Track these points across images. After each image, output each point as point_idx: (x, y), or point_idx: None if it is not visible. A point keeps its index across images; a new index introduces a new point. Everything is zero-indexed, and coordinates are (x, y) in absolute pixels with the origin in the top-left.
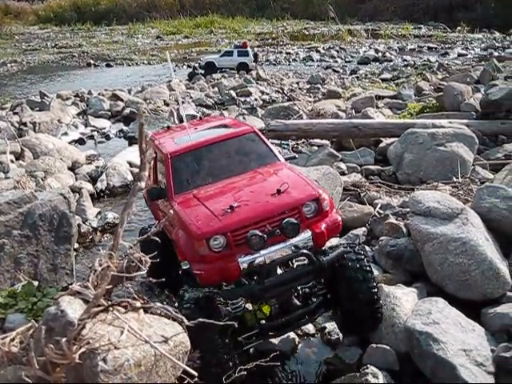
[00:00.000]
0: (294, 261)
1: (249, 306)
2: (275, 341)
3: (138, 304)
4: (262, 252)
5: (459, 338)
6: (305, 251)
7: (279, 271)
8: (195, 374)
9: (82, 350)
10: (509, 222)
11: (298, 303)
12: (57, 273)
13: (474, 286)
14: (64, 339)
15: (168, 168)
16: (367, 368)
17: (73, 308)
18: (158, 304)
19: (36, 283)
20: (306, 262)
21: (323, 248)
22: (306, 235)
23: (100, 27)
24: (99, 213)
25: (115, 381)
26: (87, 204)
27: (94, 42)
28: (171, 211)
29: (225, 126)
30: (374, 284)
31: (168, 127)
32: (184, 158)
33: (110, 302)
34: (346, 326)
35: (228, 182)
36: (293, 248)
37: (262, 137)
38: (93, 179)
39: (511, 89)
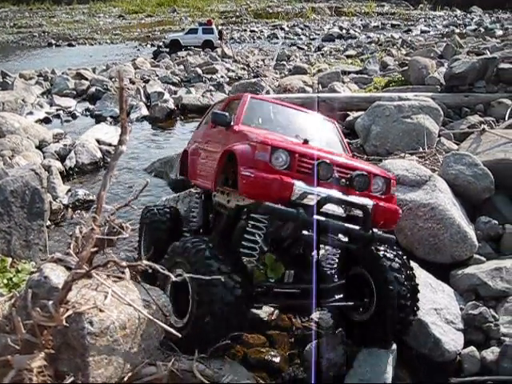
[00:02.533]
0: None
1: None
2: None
3: (124, 263)
4: (319, 189)
5: (430, 297)
6: (363, 204)
7: None
8: (179, 335)
9: (69, 312)
10: (474, 187)
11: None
12: (30, 249)
13: (442, 250)
14: (51, 302)
15: (243, 104)
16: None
17: (56, 274)
18: (145, 262)
19: (9, 260)
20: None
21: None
22: (367, 202)
23: (60, 6)
24: (69, 190)
25: (102, 343)
26: (57, 181)
27: (54, 22)
28: (231, 136)
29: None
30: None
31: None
32: (262, 104)
33: (95, 264)
34: (364, 332)
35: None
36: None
37: (340, 132)
38: (61, 157)
39: (474, 62)
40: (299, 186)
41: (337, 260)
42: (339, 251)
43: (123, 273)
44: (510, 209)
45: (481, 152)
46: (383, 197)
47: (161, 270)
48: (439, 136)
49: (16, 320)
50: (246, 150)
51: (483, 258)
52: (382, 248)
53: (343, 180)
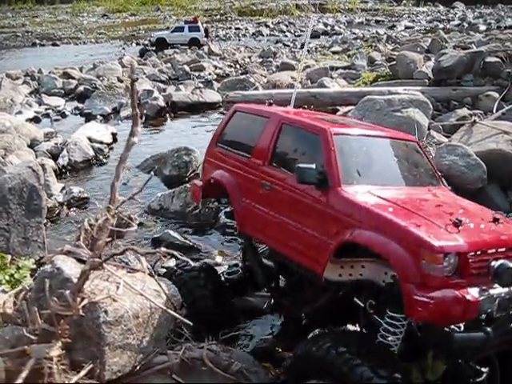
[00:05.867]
0: None
1: None
2: (252, 298)
3: (143, 250)
4: (495, 291)
5: None
6: None
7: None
8: (190, 323)
9: (85, 301)
10: (467, 177)
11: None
12: (29, 246)
13: None
14: (68, 291)
15: (329, 149)
16: None
17: (68, 265)
18: (163, 249)
19: (9, 257)
20: None
21: None
22: None
23: (42, 6)
24: (63, 188)
25: (117, 332)
26: (51, 179)
27: (37, 22)
28: (338, 207)
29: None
30: None
31: (270, 103)
32: (350, 141)
33: (112, 253)
34: None
35: (410, 191)
36: None
37: (425, 152)
38: (53, 156)
39: (461, 56)
40: (481, 295)
41: None
42: None
43: (127, 263)
44: (502, 198)
45: (473, 143)
46: None
47: (179, 256)
48: (429, 129)
49: (32, 311)
50: (403, 257)
51: None
52: None
53: None
